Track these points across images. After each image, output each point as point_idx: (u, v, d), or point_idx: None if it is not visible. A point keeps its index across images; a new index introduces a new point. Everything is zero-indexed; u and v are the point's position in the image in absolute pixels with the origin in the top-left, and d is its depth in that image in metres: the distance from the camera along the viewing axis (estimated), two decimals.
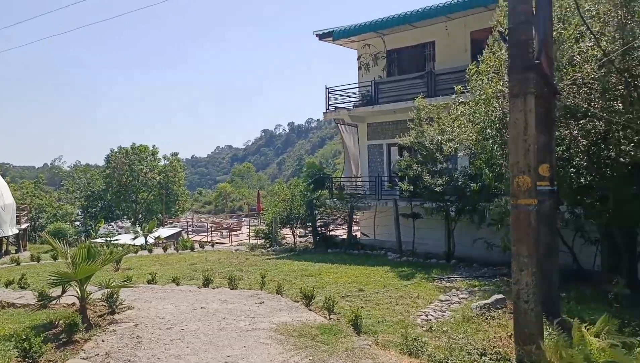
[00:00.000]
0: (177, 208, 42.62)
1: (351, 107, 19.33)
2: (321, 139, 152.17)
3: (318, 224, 18.07)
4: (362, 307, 7.98)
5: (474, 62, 10.00)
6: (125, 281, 8.92)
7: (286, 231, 20.92)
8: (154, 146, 42.95)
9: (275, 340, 5.97)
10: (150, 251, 18.70)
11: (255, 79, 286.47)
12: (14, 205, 23.80)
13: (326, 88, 19.92)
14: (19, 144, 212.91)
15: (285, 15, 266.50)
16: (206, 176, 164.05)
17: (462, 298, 8.55)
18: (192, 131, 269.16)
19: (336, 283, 10.31)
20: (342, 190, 18.53)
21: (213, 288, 9.53)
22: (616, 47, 7.06)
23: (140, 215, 41.29)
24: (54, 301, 7.74)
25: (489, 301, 7.19)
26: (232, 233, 29.48)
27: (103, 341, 6.08)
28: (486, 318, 6.72)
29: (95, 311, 7.60)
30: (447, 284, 10.04)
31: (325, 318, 7.15)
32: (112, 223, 42.62)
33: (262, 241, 20.29)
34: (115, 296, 7.50)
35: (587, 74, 7.34)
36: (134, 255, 17.15)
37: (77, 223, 40.01)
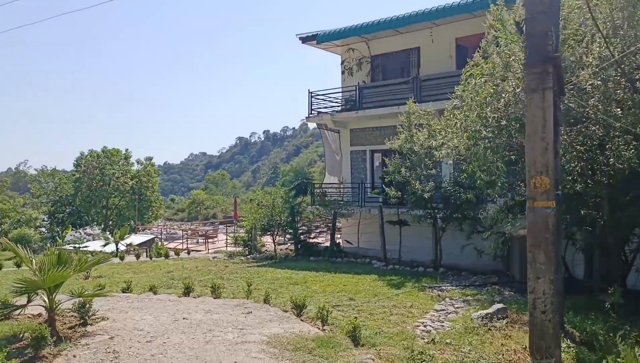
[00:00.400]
0: (150, 214, 41.25)
1: (334, 112, 19.02)
2: (296, 148, 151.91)
3: (300, 231, 17.57)
4: (355, 317, 7.55)
5: (468, 65, 9.79)
6: (98, 289, 8.22)
7: (266, 239, 20.34)
8: (126, 150, 41.60)
9: (268, 355, 5.46)
10: (122, 258, 17.83)
11: (230, 85, 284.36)
12: None
13: (309, 92, 19.57)
14: None
15: (264, 19, 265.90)
16: (179, 183, 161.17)
17: (457, 307, 8.22)
18: (164, 137, 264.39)
19: (324, 291, 9.84)
20: (325, 196, 18.12)
21: (195, 297, 8.91)
22: (618, 51, 6.93)
23: (111, 221, 39.78)
24: (17, 311, 7.00)
25: (490, 310, 6.87)
26: (208, 241, 28.60)
27: (74, 356, 5.44)
28: (489, 329, 6.39)
29: (65, 323, 6.90)
30: (439, 293, 9.71)
31: (319, 329, 6.68)
32: (80, 230, 40.89)
33: (241, 248, 19.63)
34: (87, 306, 6.83)
35: (588, 77, 7.17)
36: (104, 262, 16.22)
37: (43, 229, 38.19)
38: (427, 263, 13.73)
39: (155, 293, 9.43)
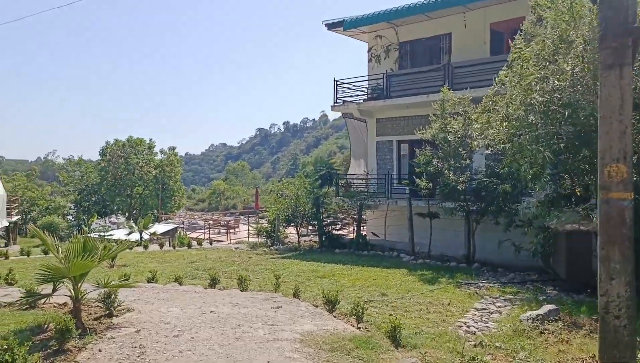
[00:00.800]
0: (172, 203, 41.52)
1: (360, 101, 18.46)
2: (316, 139, 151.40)
3: (325, 222, 17.17)
4: (391, 314, 7.12)
5: (513, 48, 9.11)
6: (124, 280, 7.98)
7: (289, 230, 20.03)
8: (150, 140, 41.85)
9: (303, 355, 5.07)
10: (145, 247, 17.78)
11: (251, 76, 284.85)
12: (5, 197, 22.73)
13: (335, 81, 19.02)
14: (12, 138, 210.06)
15: (289, 7, 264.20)
16: (200, 173, 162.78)
17: (500, 307, 7.70)
18: (186, 128, 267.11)
19: (354, 286, 9.43)
20: (349, 187, 17.65)
21: (221, 289, 8.60)
22: None
23: (135, 210, 40.18)
24: (43, 301, 6.79)
25: (540, 312, 6.33)
26: (230, 231, 28.53)
27: (100, 351, 5.16)
28: (541, 332, 5.87)
29: (91, 313, 6.67)
30: (477, 290, 9.18)
31: (354, 327, 6.26)
32: (106, 218, 41.47)
33: (264, 239, 19.38)
34: (113, 296, 6.57)
35: None
36: (129, 251, 16.17)
37: (70, 217, 38.84)
38: (459, 258, 13.17)
39: (180, 283, 9.17)
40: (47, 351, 5.17)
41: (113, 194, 39.50)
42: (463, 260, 12.88)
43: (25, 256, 15.47)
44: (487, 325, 6.55)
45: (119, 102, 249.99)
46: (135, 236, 20.87)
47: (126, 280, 8.19)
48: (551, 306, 6.46)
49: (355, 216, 17.52)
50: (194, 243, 19.66)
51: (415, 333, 6.04)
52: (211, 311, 6.76)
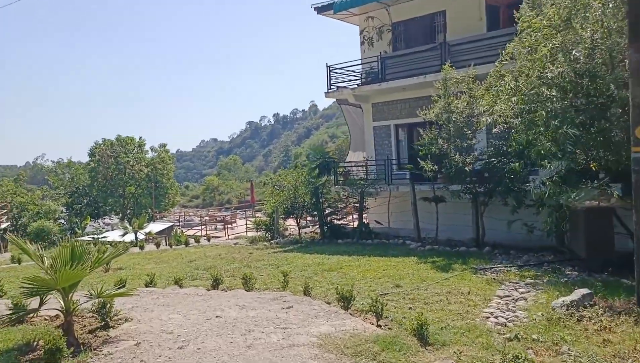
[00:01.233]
0: (166, 201, 40.77)
1: (355, 86, 17.85)
2: (307, 130, 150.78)
3: (326, 212, 16.65)
4: (410, 308, 6.64)
5: (521, 18, 8.56)
6: (120, 287, 7.40)
7: (289, 222, 19.51)
8: (140, 138, 40.95)
9: (324, 361, 4.56)
10: (142, 248, 17.19)
11: (238, 69, 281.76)
12: None
13: (327, 66, 18.36)
14: (0, 144, 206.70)
15: None
16: (192, 170, 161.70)
17: (523, 292, 7.23)
18: (175, 125, 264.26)
19: (365, 278, 8.93)
20: (348, 175, 17.11)
21: (225, 291, 8.06)
22: None
23: (128, 210, 39.42)
24: (31, 315, 6.23)
25: (573, 297, 5.86)
26: (227, 226, 27.97)
27: None
28: (578, 320, 5.40)
29: (85, 326, 6.10)
30: (494, 275, 8.73)
31: (374, 324, 5.76)
32: (99, 220, 40.66)
33: (263, 233, 18.85)
34: (108, 306, 6.01)
35: None
36: (125, 250, 15.58)
37: (62, 221, 37.96)
38: (468, 242, 12.73)
39: (181, 286, 8.62)
40: None
41: (105, 195, 38.67)
42: (472, 243, 12.44)
43: (16, 264, 14.83)
44: (515, 314, 6.08)
45: (106, 102, 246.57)
46: (130, 237, 20.25)
47: (122, 286, 7.62)
48: (584, 291, 5.99)
49: (356, 205, 17.02)
50: (192, 240, 19.09)
51: (442, 328, 5.55)
52: (217, 316, 6.22)
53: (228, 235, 24.04)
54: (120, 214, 38.71)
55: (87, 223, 34.83)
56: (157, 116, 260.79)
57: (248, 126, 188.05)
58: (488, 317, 6.02)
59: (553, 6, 7.77)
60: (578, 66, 7.42)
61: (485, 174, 11.82)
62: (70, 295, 5.59)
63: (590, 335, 4.96)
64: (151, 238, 20.61)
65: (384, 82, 16.88)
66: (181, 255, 14.48)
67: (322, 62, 22.24)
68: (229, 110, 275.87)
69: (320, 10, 18.55)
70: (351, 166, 18.02)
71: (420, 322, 5.08)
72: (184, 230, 28.48)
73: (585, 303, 5.78)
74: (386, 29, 17.93)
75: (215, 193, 77.33)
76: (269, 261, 11.91)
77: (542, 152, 8.25)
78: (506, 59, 9.32)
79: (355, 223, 17.01)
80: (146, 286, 8.72)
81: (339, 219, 17.31)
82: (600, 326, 5.14)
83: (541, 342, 4.88)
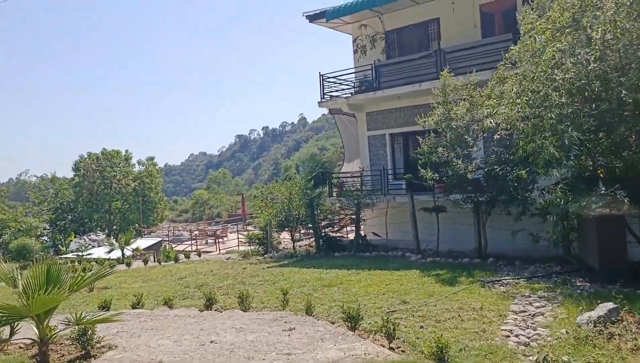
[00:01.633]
0: (155, 216, 39.85)
1: (349, 95, 17.50)
2: (296, 143, 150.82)
3: (322, 224, 16.14)
4: (422, 327, 6.14)
5: (524, 20, 8.26)
6: (104, 308, 6.79)
7: (283, 235, 18.95)
8: (127, 151, 40.11)
9: None
10: (128, 265, 16.48)
11: (227, 83, 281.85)
12: None
13: (320, 75, 17.99)
14: None
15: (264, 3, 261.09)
16: (181, 184, 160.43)
17: (539, 307, 6.78)
18: (163, 139, 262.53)
19: (368, 294, 8.41)
20: (342, 187, 16.66)
21: (219, 311, 7.48)
22: None
23: (115, 226, 38.40)
24: (2, 345, 5.60)
25: (600, 313, 5.42)
26: (219, 241, 27.24)
27: None
28: (608, 338, 4.95)
29: (64, 355, 5.50)
30: (503, 289, 8.27)
31: (385, 347, 5.25)
32: (84, 236, 39.55)
33: (256, 247, 18.24)
34: (90, 332, 5.43)
35: None
36: (109, 270, 14.87)
37: (45, 237, 36.82)
38: (470, 253, 12.28)
39: (171, 307, 8.02)
40: None
41: (90, 210, 37.65)
42: (475, 254, 12.00)
43: None
44: (536, 332, 5.61)
45: (91, 115, 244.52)
46: (116, 254, 19.50)
47: (107, 308, 7.02)
48: (610, 305, 5.55)
49: (353, 217, 16.54)
50: (181, 256, 18.39)
51: (460, 350, 5.06)
52: (211, 342, 5.65)
53: (219, 250, 23.34)
54: (107, 230, 37.69)
55: (71, 240, 33.76)
56: (144, 130, 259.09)
57: (237, 139, 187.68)
58: (508, 336, 5.54)
59: (559, 7, 7.47)
60: (589, 68, 7.09)
61: (488, 181, 11.44)
62: (45, 322, 5.01)
63: (625, 356, 4.52)
64: (139, 254, 19.87)
65: (378, 91, 16.54)
66: (170, 271, 13.82)
67: (313, 74, 22.08)
68: (217, 124, 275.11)
69: (313, 18, 18.29)
70: (346, 177, 17.58)
71: (439, 345, 4.58)
72: (173, 245, 27.65)
73: (612, 318, 5.35)
74: (379, 37, 17.69)
75: (205, 206, 76.43)
76: (265, 277, 11.34)
77: (548, 158, 7.86)
78: (509, 64, 8.99)
79: (352, 236, 16.51)
80: (133, 307, 8.08)
81: (335, 232, 16.80)
82: (635, 345, 4.70)
83: None
